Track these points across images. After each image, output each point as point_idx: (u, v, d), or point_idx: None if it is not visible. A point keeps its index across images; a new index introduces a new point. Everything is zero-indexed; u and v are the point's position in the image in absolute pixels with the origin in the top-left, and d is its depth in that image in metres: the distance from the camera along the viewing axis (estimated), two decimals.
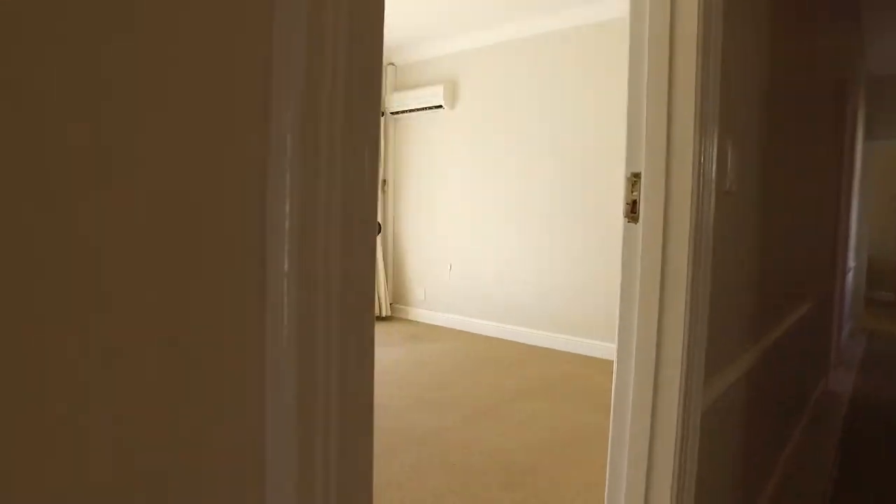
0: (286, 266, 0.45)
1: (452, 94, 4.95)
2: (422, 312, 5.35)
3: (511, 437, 2.62)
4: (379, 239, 5.33)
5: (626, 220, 1.05)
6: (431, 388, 3.31)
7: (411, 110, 5.18)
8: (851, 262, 4.91)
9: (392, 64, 5.44)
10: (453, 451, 2.46)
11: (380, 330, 4.93)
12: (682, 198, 1.00)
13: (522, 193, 4.53)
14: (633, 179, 1.04)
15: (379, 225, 5.47)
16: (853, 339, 5.25)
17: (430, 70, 5.17)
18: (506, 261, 4.66)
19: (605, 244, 4.06)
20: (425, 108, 5.05)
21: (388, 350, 4.23)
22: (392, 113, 5.36)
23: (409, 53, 5.26)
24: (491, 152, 4.73)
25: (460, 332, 4.91)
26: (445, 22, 4.50)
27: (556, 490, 2.13)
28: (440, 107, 4.93)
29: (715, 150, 1.08)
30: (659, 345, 1.04)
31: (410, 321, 5.36)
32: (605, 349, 3.98)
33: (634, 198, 1.03)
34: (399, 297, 5.58)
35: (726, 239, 1.30)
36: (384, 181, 5.51)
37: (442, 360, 3.97)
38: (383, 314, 5.31)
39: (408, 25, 4.62)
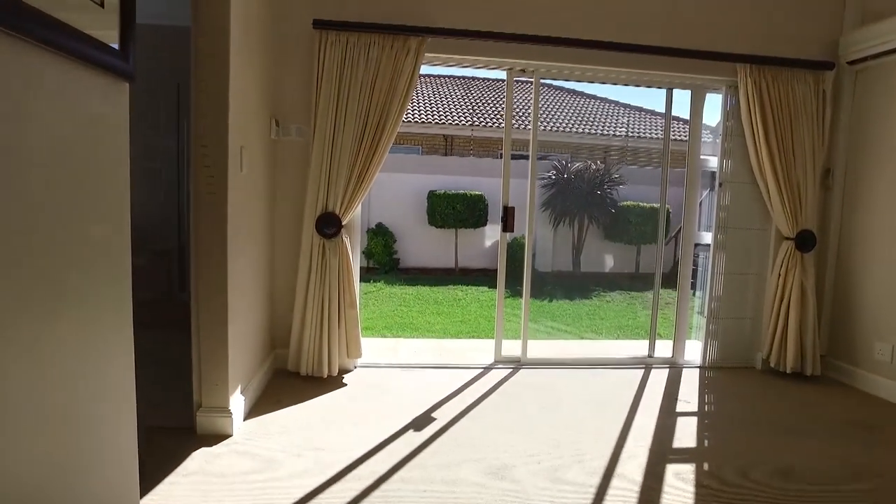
0: None
1: None
2: (880, 382, 3.29)
3: None
4: (811, 256, 3.52)
5: None
6: None
7: (883, 53, 3.17)
8: None
9: None
10: None
11: (793, 395, 3.20)
12: None
13: None
14: None
15: (814, 236, 3.61)
16: None
17: None
18: None
19: None
20: None
21: (792, 442, 2.58)
22: (850, 62, 3.43)
23: None
24: None
25: None
26: None
27: None
28: None
29: None
30: None
31: (854, 390, 3.36)
32: None
33: None
34: (838, 350, 3.61)
35: None
36: (828, 170, 3.62)
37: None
38: (807, 372, 3.49)
39: None
